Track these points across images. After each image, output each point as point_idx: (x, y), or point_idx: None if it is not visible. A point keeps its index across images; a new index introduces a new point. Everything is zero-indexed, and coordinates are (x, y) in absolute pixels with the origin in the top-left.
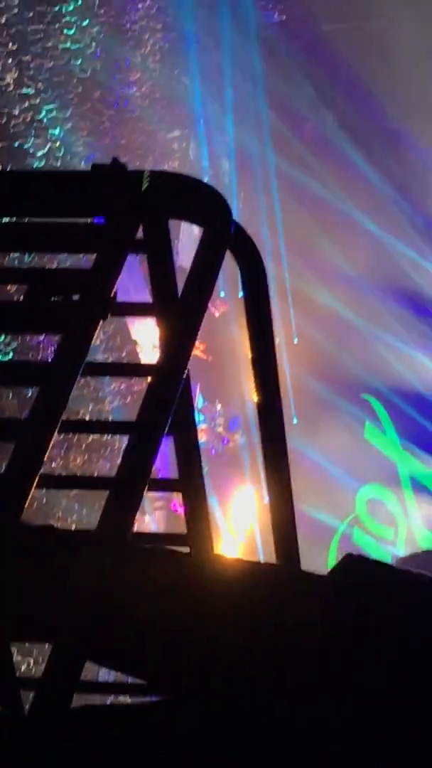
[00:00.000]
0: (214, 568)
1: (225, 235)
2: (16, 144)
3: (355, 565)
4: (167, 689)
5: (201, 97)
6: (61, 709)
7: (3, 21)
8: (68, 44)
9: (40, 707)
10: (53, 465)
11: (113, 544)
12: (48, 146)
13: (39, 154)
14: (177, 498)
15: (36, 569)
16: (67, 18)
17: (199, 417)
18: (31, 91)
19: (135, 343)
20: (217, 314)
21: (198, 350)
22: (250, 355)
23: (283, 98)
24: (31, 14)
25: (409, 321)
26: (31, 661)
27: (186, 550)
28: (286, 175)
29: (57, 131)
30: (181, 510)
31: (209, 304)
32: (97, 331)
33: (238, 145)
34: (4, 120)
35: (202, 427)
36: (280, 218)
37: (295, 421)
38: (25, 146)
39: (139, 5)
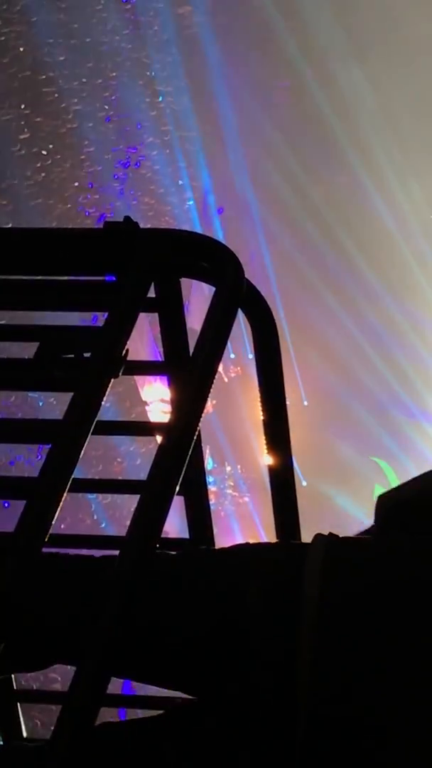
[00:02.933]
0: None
1: (237, 294)
2: (30, 204)
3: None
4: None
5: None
6: (85, 728)
7: (16, 84)
8: (79, 106)
9: (64, 727)
10: (62, 526)
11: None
12: (60, 206)
13: (53, 213)
14: None
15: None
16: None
17: (208, 479)
18: (44, 152)
19: (145, 404)
20: (226, 379)
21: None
22: (261, 417)
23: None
24: (43, 77)
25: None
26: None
27: None
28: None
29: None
30: None
31: (220, 367)
32: (108, 389)
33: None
34: (16, 181)
35: (212, 488)
36: (274, 281)
37: (304, 483)
38: (38, 206)
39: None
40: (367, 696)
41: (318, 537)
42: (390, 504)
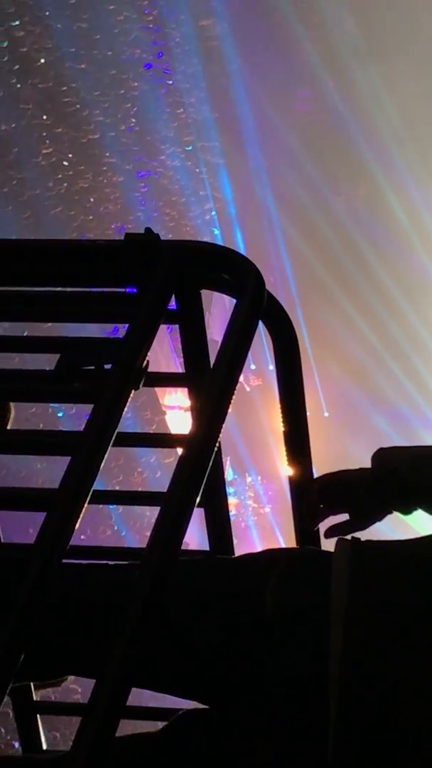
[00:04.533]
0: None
1: (258, 306)
2: (51, 214)
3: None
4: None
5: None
6: (105, 740)
7: (37, 95)
8: (101, 117)
9: (84, 739)
10: (82, 537)
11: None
12: (81, 217)
13: (74, 224)
14: None
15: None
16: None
17: (228, 489)
18: (65, 163)
19: (164, 413)
20: (248, 388)
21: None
22: (282, 428)
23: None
24: (64, 88)
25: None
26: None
27: None
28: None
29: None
30: None
31: (240, 378)
32: (129, 401)
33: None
34: (38, 191)
35: (232, 499)
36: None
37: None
38: (58, 216)
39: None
40: (398, 691)
41: (341, 540)
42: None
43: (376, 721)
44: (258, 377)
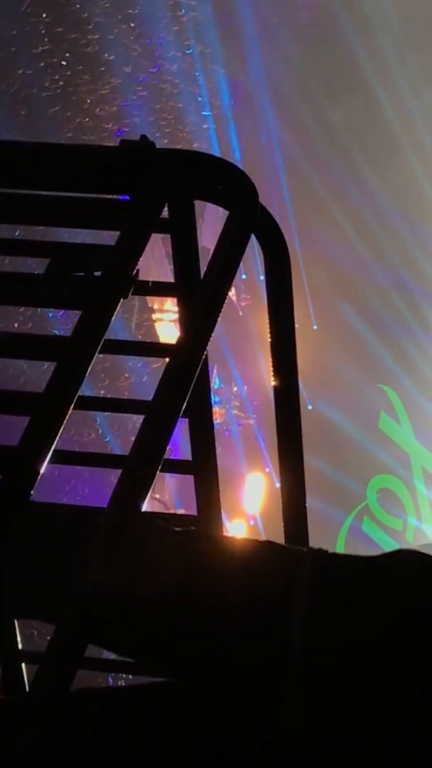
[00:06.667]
0: (227, 546)
1: (250, 220)
2: (47, 114)
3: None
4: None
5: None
6: (61, 689)
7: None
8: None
9: (39, 687)
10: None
11: (123, 522)
12: (78, 119)
13: (70, 125)
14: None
15: (42, 548)
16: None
17: (214, 398)
18: (63, 63)
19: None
20: (241, 312)
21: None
22: (269, 339)
23: None
24: None
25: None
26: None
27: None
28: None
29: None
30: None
31: (234, 297)
32: (117, 308)
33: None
34: (35, 90)
35: (217, 409)
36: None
37: (309, 407)
38: (55, 117)
39: None
40: (356, 699)
41: (307, 552)
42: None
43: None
44: (248, 295)
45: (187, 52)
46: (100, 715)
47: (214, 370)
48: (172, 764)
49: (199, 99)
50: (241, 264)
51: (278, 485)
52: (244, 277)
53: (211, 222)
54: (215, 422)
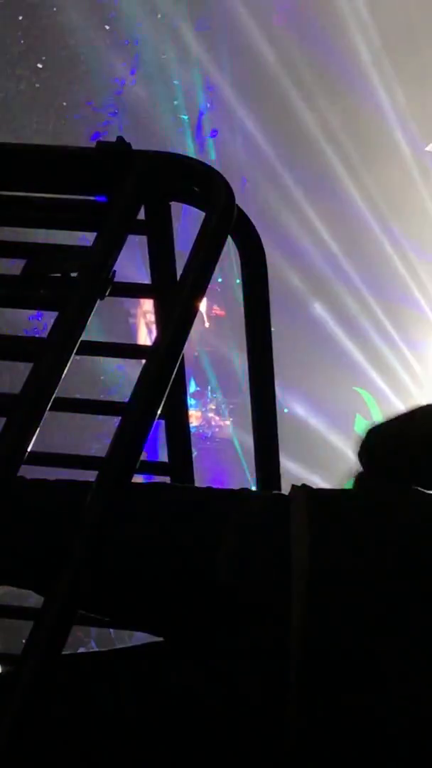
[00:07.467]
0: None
1: (227, 221)
2: (24, 117)
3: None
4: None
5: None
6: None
7: None
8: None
9: (29, 658)
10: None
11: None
12: (53, 120)
13: (47, 128)
14: None
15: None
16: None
17: (190, 401)
18: (39, 66)
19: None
20: (207, 324)
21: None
22: (246, 342)
23: None
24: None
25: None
26: None
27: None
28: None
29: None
30: None
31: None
32: (93, 310)
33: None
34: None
35: (193, 412)
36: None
37: (285, 410)
38: (30, 119)
39: None
40: (363, 655)
41: (298, 492)
42: (381, 440)
43: (341, 676)
44: (222, 310)
45: (163, 56)
46: (88, 681)
47: (190, 374)
48: (164, 730)
49: (175, 102)
50: (217, 267)
51: (254, 488)
52: (220, 280)
53: (187, 226)
54: (191, 426)
